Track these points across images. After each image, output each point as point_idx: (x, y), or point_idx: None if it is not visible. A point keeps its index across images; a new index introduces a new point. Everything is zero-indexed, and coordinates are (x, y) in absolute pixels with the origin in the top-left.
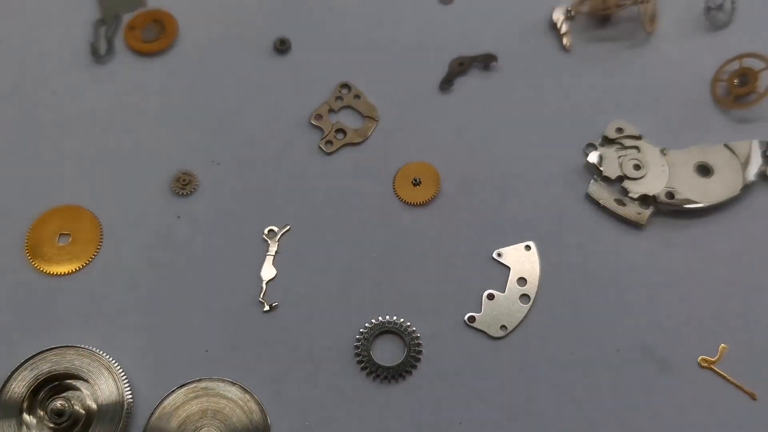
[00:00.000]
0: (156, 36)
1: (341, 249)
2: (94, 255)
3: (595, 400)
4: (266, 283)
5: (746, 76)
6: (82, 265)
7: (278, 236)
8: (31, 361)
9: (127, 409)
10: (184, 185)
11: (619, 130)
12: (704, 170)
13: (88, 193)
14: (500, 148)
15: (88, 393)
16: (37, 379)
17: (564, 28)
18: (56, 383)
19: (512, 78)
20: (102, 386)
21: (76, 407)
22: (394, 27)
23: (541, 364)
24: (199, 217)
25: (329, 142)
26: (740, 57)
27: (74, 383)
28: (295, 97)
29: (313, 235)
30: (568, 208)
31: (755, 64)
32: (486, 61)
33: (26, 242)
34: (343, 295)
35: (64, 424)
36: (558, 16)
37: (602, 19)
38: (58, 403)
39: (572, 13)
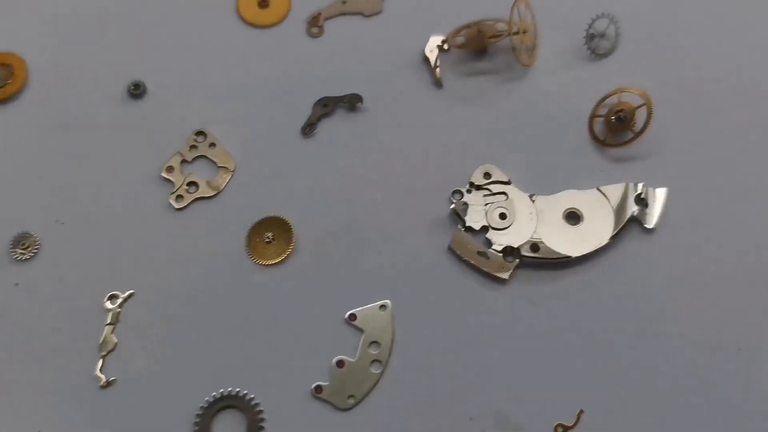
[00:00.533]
0: (3, 82)
1: (187, 315)
2: None
3: None
4: (104, 356)
5: (624, 113)
6: None
7: (119, 302)
8: None
9: None
10: (24, 249)
11: (487, 175)
12: (574, 217)
13: None
14: (361, 197)
15: None
16: None
17: (437, 63)
18: None
19: (380, 119)
20: None
21: None
22: (258, 66)
23: None
24: (38, 284)
25: (180, 196)
26: (619, 91)
27: None
28: (147, 147)
29: (158, 301)
30: (430, 262)
31: (634, 99)
32: (351, 102)
33: None
34: (186, 366)
35: None
36: (431, 49)
37: (478, 51)
38: None
39: (446, 45)
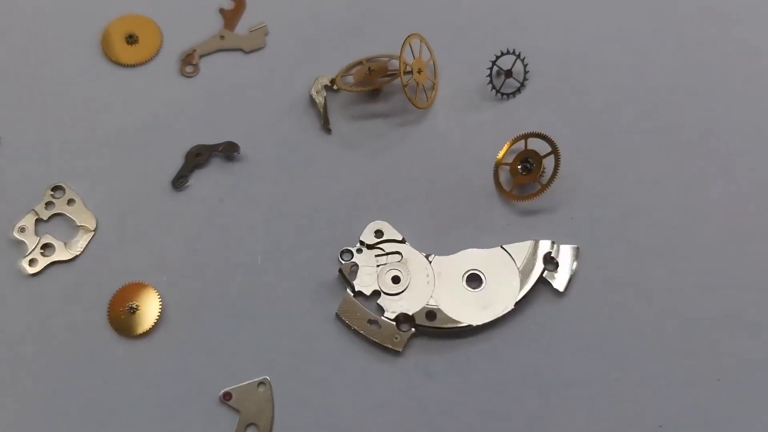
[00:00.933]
0: None
1: (39, 395)
2: None
3: None
4: None
5: (531, 161)
6: None
7: None
8: None
9: None
10: None
11: (379, 233)
12: (476, 280)
13: None
14: (239, 259)
15: None
16: None
17: (325, 105)
18: None
19: (261, 169)
20: None
21: None
22: (124, 110)
23: None
24: None
25: (33, 260)
26: (525, 137)
27: None
28: None
29: (7, 379)
30: (316, 331)
31: (542, 146)
32: (228, 151)
33: None
34: None
35: None
36: (318, 89)
37: (370, 92)
38: None
39: (335, 86)
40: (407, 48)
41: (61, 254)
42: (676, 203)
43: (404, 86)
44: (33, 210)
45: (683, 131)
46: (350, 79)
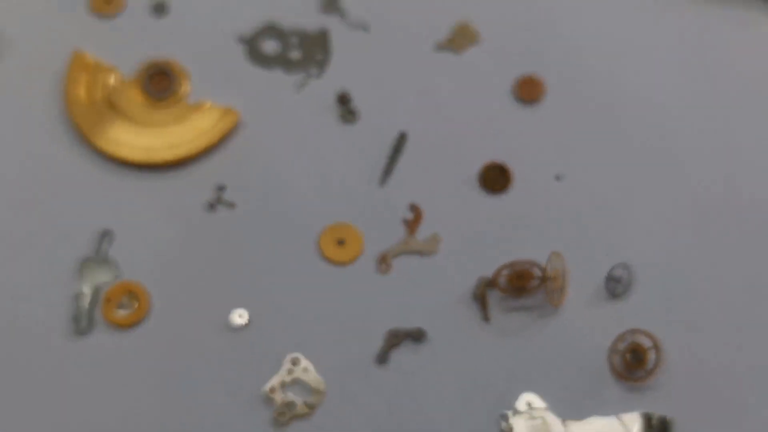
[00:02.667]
0: (130, 310)
1: None
2: None
3: None
4: None
5: (637, 352)
6: None
7: None
8: None
9: None
10: None
11: (528, 402)
12: None
13: None
14: (420, 424)
15: None
16: None
17: (485, 300)
18: None
19: (439, 351)
20: None
21: None
22: (334, 300)
23: None
24: None
25: (281, 413)
26: (632, 332)
27: None
28: (247, 371)
29: None
30: None
31: (645, 341)
32: (417, 336)
33: None
34: None
35: None
36: (479, 288)
37: (518, 291)
38: None
39: (492, 286)
40: (549, 261)
41: (301, 410)
42: None
43: (548, 293)
44: (278, 374)
45: None
46: (502, 280)
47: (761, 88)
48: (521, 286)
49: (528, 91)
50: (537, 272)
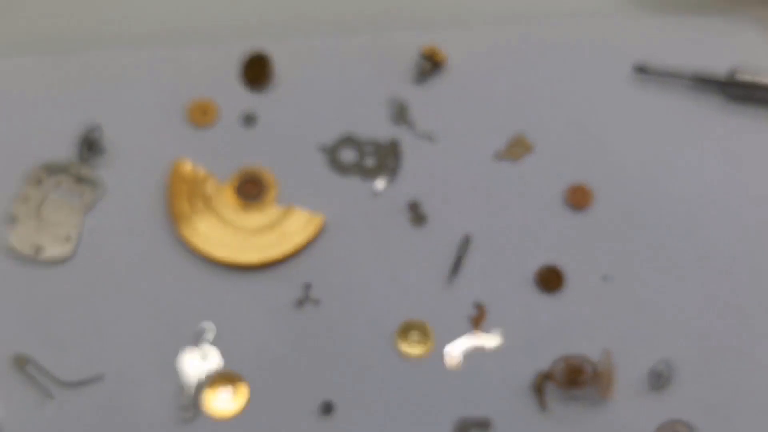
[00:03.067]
0: (230, 399)
1: None
2: None
3: None
4: None
5: None
6: None
7: None
8: None
9: None
10: None
11: None
12: None
13: None
14: None
15: None
16: None
17: (542, 392)
18: None
19: None
20: None
21: None
22: (410, 388)
23: None
24: None
25: None
26: (672, 423)
27: None
28: None
29: None
30: None
31: (683, 431)
32: (483, 424)
33: None
34: None
35: None
36: (537, 381)
37: (572, 384)
38: None
39: (548, 379)
40: (601, 358)
41: None
42: None
43: (598, 385)
44: None
45: None
46: (558, 374)
47: None
48: (574, 379)
49: (578, 199)
50: (588, 367)
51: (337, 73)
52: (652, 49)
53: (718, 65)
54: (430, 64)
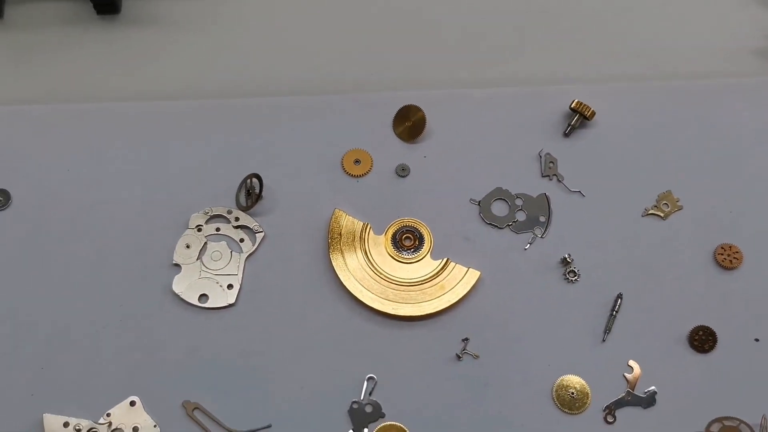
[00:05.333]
0: None
1: None
2: None
3: None
4: None
5: None
6: None
7: None
8: None
9: None
10: None
11: None
12: None
13: None
14: None
15: None
16: None
17: None
18: None
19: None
20: None
21: None
22: None
23: None
24: None
25: None
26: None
27: None
28: None
29: None
30: None
31: None
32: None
33: None
34: None
35: None
36: None
37: None
38: None
39: None
40: (762, 424)
41: None
42: None
43: None
44: None
45: None
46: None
47: None
48: None
49: (727, 258)
50: (745, 430)
51: (487, 126)
52: None
53: None
54: (579, 118)
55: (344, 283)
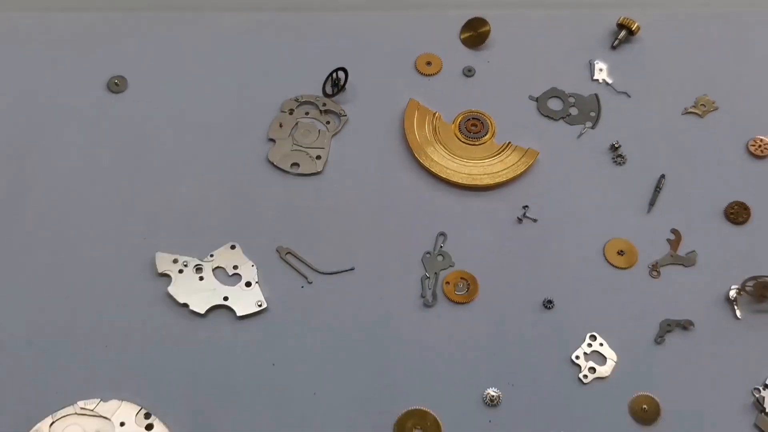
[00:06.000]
0: (464, 291)
1: None
2: None
3: None
4: None
5: None
6: None
7: None
8: None
9: None
10: None
11: None
12: None
13: None
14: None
15: None
16: None
17: (736, 304)
18: None
19: (702, 338)
20: None
21: None
22: (618, 293)
23: None
24: None
25: (585, 375)
26: None
27: None
28: (556, 343)
29: None
30: None
31: None
32: (685, 326)
33: None
34: None
35: None
36: (732, 293)
37: (761, 297)
38: None
39: (741, 292)
40: None
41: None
42: None
43: None
44: (581, 347)
45: None
46: (749, 289)
47: None
48: (763, 294)
49: (759, 148)
50: None
51: (544, 39)
52: None
53: None
54: (626, 33)
55: (419, 157)
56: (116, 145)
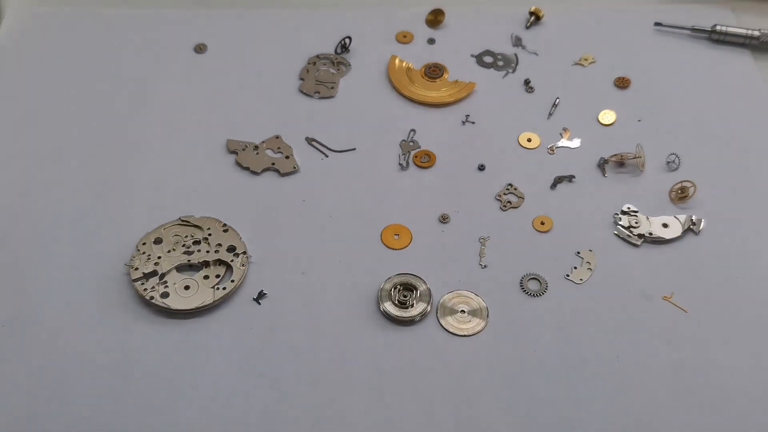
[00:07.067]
0: (427, 160)
1: None
2: None
3: None
4: None
5: (684, 190)
6: None
7: None
8: None
9: None
10: None
11: (628, 207)
12: None
13: None
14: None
15: None
16: None
17: (603, 168)
18: None
19: (578, 188)
20: None
21: None
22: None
23: None
24: None
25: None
26: (681, 182)
27: None
28: None
29: None
30: None
31: (687, 185)
32: (570, 179)
33: None
34: None
35: None
36: (601, 162)
37: (620, 165)
38: None
39: (606, 161)
40: (637, 150)
41: (515, 204)
42: None
43: (636, 163)
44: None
45: None
46: (615, 158)
47: None
48: (622, 161)
49: (620, 84)
50: (630, 156)
51: (482, 21)
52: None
53: None
54: (535, 18)
55: (400, 89)
56: (201, 89)
